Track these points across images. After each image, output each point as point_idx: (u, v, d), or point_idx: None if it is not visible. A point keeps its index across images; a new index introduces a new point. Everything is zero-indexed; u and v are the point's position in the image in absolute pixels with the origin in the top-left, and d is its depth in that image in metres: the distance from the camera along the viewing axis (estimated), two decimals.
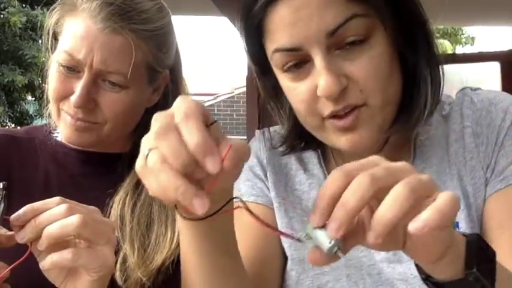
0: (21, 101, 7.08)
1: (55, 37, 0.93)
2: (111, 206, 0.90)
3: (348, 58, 0.67)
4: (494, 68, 4.10)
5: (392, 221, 0.45)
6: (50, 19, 0.92)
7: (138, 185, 0.92)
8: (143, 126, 0.98)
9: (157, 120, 0.48)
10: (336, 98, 0.66)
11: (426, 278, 0.56)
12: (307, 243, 0.48)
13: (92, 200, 0.90)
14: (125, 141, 0.98)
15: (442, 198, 0.46)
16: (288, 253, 0.81)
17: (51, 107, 0.92)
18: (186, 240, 0.64)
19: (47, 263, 0.67)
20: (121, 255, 0.87)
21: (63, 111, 0.89)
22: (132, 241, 0.87)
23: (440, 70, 0.73)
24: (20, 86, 6.32)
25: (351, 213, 0.46)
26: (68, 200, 0.68)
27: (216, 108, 12.34)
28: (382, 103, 0.68)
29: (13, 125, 6.88)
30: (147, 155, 0.48)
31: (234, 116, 12.13)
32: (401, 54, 0.72)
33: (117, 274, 0.85)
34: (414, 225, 0.45)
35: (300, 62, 0.68)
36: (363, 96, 0.67)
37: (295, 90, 0.70)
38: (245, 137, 5.84)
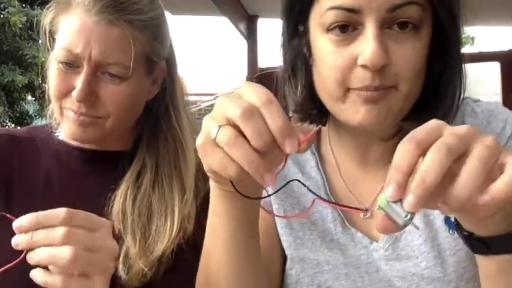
0: (21, 101, 7.05)
1: (52, 36, 0.94)
2: (113, 200, 0.91)
3: (396, 40, 0.67)
4: (494, 68, 4.10)
5: (468, 198, 0.47)
6: (46, 19, 0.93)
7: (138, 178, 0.93)
8: (143, 123, 0.98)
9: (231, 101, 0.52)
10: (374, 71, 0.66)
11: (469, 235, 0.57)
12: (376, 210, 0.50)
13: (93, 196, 0.90)
14: (125, 139, 0.99)
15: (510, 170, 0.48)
16: (287, 252, 0.82)
17: (54, 106, 0.92)
18: (223, 218, 0.66)
19: (37, 279, 0.67)
20: (124, 248, 0.87)
21: (66, 108, 0.90)
22: (134, 232, 0.88)
23: (464, 73, 0.75)
24: (20, 86, 6.30)
25: (430, 189, 0.46)
26: (74, 211, 0.67)
27: None
28: (409, 92, 0.69)
29: (13, 125, 6.86)
30: (218, 130, 0.52)
31: None
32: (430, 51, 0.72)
33: (120, 267, 0.86)
34: (485, 199, 0.47)
35: (347, 27, 0.68)
36: (396, 80, 0.68)
37: (334, 55, 0.69)
38: None
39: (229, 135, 0.51)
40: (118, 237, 0.87)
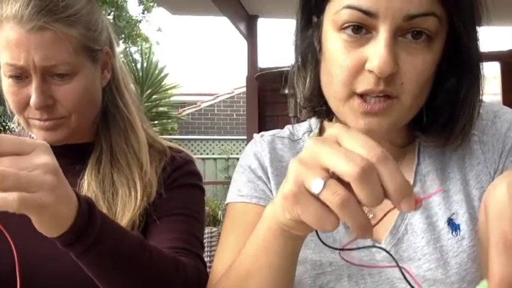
0: None
1: None
2: (81, 185, 0.97)
3: (407, 50, 0.67)
4: (494, 68, 4.10)
5: None
6: None
7: (98, 160, 1.00)
8: (101, 114, 1.04)
9: (335, 152, 0.47)
10: (380, 78, 0.66)
11: None
12: None
13: None
14: (89, 131, 1.04)
15: None
16: None
17: (20, 120, 0.98)
18: (272, 254, 0.62)
19: None
20: None
21: (30, 119, 0.94)
22: (101, 208, 0.93)
23: (482, 92, 0.74)
24: None
25: None
26: None
27: (216, 108, 12.31)
28: (411, 104, 0.69)
29: (13, 125, 6.85)
30: (324, 186, 0.46)
31: (234, 116, 12.11)
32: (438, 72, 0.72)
33: None
34: None
35: (360, 29, 0.67)
36: (400, 90, 0.67)
37: (343, 55, 0.68)
38: (245, 137, 5.84)
39: (342, 196, 0.46)
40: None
